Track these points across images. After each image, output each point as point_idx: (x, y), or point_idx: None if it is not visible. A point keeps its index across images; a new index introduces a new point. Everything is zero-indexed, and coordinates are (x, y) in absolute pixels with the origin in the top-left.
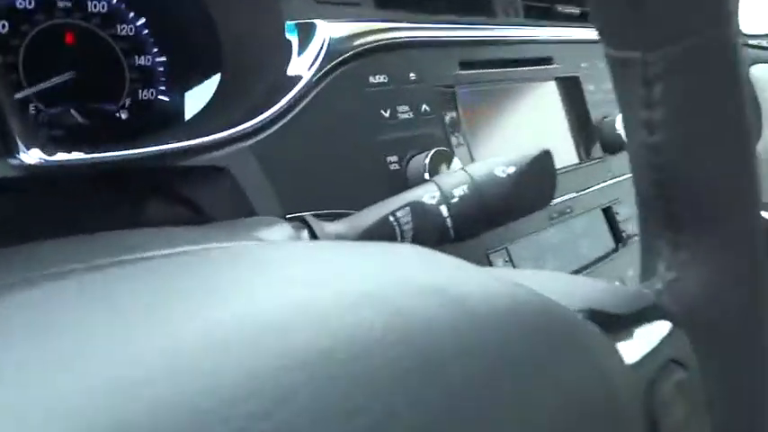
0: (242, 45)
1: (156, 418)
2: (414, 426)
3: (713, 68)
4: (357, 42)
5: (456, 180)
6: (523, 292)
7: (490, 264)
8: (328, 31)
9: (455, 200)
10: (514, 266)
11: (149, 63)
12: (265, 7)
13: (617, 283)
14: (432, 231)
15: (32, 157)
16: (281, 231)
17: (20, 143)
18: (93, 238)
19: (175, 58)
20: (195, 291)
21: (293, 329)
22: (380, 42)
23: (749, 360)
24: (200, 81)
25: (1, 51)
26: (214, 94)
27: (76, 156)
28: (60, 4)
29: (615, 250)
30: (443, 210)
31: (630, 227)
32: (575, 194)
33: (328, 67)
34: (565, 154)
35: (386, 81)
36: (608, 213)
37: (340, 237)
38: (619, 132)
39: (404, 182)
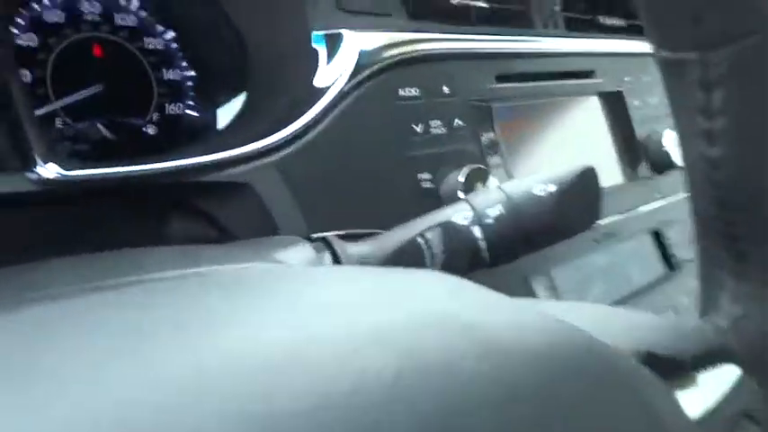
0: (269, 57)
1: None
2: None
3: None
4: (387, 54)
5: (491, 199)
6: (566, 331)
7: (531, 290)
8: (358, 42)
9: (490, 220)
10: (557, 293)
11: (178, 77)
12: (292, 18)
13: (672, 316)
14: (464, 255)
15: (50, 171)
16: (301, 253)
17: (37, 157)
18: (102, 256)
19: (203, 73)
20: (185, 324)
21: (284, 374)
22: (412, 54)
23: None
24: (228, 95)
25: (29, 65)
26: (241, 107)
27: (95, 170)
28: (88, 18)
29: (666, 276)
30: (477, 231)
31: (682, 251)
32: (621, 216)
33: (357, 79)
34: (609, 173)
35: (417, 95)
36: (657, 236)
37: (363, 259)
38: (666, 150)
39: (437, 201)
